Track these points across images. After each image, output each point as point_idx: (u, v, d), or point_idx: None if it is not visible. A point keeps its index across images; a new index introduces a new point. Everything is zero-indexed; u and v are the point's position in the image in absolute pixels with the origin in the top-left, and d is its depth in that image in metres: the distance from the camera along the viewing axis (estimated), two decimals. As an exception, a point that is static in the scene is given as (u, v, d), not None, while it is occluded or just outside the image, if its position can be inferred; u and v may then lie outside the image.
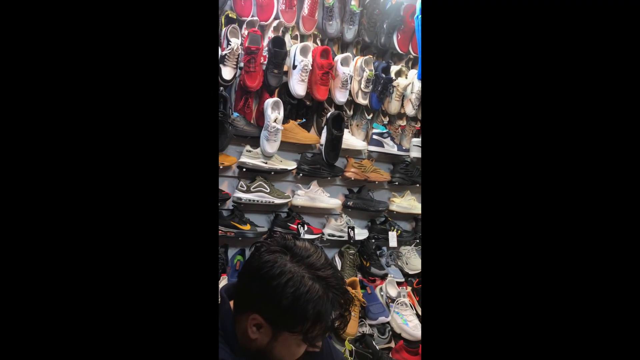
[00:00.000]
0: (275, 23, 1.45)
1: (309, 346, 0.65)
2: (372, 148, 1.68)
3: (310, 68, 1.45)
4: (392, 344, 1.45)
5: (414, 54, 1.70)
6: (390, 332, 1.46)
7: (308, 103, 1.56)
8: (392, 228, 1.70)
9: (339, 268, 1.58)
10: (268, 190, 1.44)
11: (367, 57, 1.58)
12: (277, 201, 1.44)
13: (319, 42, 1.58)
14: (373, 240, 1.66)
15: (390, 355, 1.38)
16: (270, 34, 1.45)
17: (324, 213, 1.62)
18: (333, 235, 1.58)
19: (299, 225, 1.49)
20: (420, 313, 1.52)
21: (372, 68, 1.58)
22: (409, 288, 1.60)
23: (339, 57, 1.54)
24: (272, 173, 1.46)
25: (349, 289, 1.41)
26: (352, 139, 1.63)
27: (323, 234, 1.56)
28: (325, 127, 1.54)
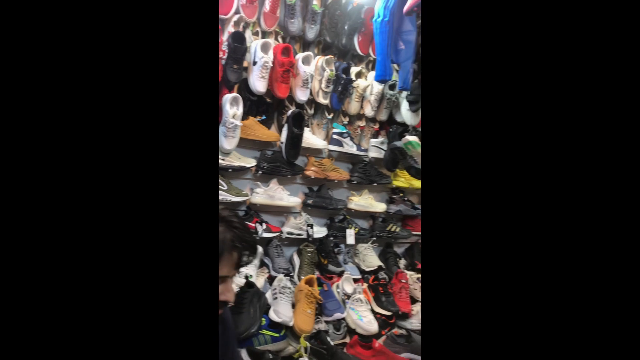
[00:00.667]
0: (235, 17, 1.42)
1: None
2: (332, 147, 1.71)
3: (271, 65, 1.44)
4: (347, 339, 1.48)
5: (374, 56, 1.75)
6: (346, 328, 1.49)
7: (268, 100, 1.55)
8: (350, 226, 1.74)
9: (298, 266, 1.59)
10: (225, 188, 1.41)
11: (328, 57, 1.60)
12: (235, 199, 1.42)
13: (280, 39, 1.58)
14: (331, 238, 1.68)
15: (345, 350, 1.42)
16: (230, 29, 1.42)
17: (283, 211, 1.62)
18: (292, 234, 1.58)
19: (257, 224, 1.48)
20: (374, 309, 1.57)
21: (333, 68, 1.60)
22: (365, 284, 1.65)
23: (300, 56, 1.54)
24: (230, 170, 1.44)
25: (306, 286, 1.43)
26: (312, 138, 1.64)
27: (282, 232, 1.56)
28: (286, 125, 1.54)
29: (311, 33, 1.58)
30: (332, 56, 1.62)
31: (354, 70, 1.70)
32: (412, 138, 1.57)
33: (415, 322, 1.63)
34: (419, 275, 1.74)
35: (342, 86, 1.63)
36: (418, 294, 1.70)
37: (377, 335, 1.49)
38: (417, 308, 1.65)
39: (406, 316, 1.63)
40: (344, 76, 1.62)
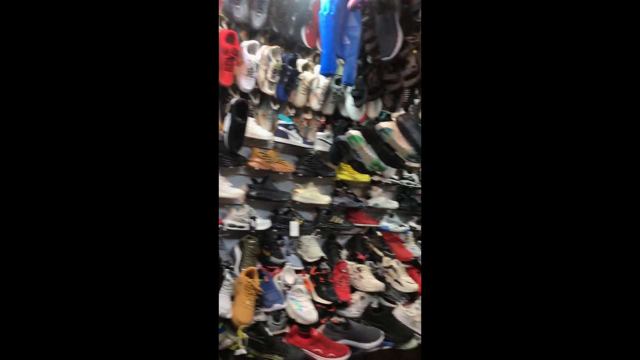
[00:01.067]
0: (175, -3, 1.34)
1: None
2: (278, 139, 1.70)
3: (214, 51, 1.39)
4: (287, 330, 1.50)
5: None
6: (285, 319, 1.51)
7: (211, 88, 1.50)
8: (295, 218, 1.75)
9: (239, 258, 1.57)
10: (161, 177, 1.34)
11: (274, 47, 1.58)
12: (172, 189, 1.36)
13: (225, 25, 1.52)
14: (275, 230, 1.68)
15: (284, 340, 1.43)
16: (169, 9, 1.34)
17: (225, 203, 1.59)
18: (233, 226, 1.55)
19: (196, 215, 1.43)
20: (314, 299, 1.60)
21: (279, 59, 1.59)
22: (307, 275, 1.67)
23: (245, 44, 1.50)
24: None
25: (246, 278, 1.42)
26: (257, 129, 1.62)
27: (223, 224, 1.52)
28: (229, 114, 1.50)
29: (257, 21, 1.54)
30: (278, 46, 1.60)
31: (300, 62, 1.70)
32: (355, 132, 1.61)
33: (354, 311, 1.69)
34: (360, 265, 1.81)
35: (288, 77, 1.62)
36: (358, 283, 1.76)
37: (317, 325, 1.53)
38: (356, 297, 1.72)
39: (345, 305, 1.68)
40: (290, 67, 1.61)
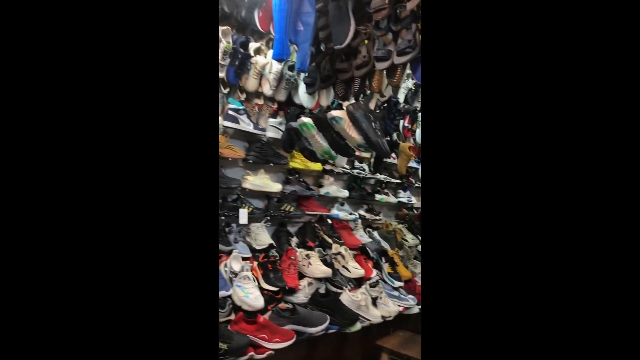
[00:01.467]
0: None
1: None
2: (227, 124, 1.65)
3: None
4: (233, 317, 1.49)
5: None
6: (231, 306, 1.49)
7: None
8: (244, 205, 1.72)
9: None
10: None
11: (224, 27, 1.52)
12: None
13: None
14: (223, 218, 1.65)
15: (229, 327, 1.42)
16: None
17: (169, 188, 1.52)
18: (178, 211, 1.49)
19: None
20: (262, 285, 1.60)
21: (230, 40, 1.53)
22: (255, 262, 1.66)
23: (193, 21, 1.43)
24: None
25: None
26: (205, 112, 1.56)
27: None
28: (174, 95, 1.42)
29: (207, -2, 1.47)
30: (229, 27, 1.54)
31: (253, 45, 1.65)
32: (307, 120, 1.61)
33: (301, 297, 1.72)
34: (308, 252, 1.83)
35: (239, 60, 1.57)
36: (306, 270, 1.79)
37: (263, 311, 1.53)
38: (304, 283, 1.74)
39: (293, 291, 1.70)
40: (241, 50, 1.56)
